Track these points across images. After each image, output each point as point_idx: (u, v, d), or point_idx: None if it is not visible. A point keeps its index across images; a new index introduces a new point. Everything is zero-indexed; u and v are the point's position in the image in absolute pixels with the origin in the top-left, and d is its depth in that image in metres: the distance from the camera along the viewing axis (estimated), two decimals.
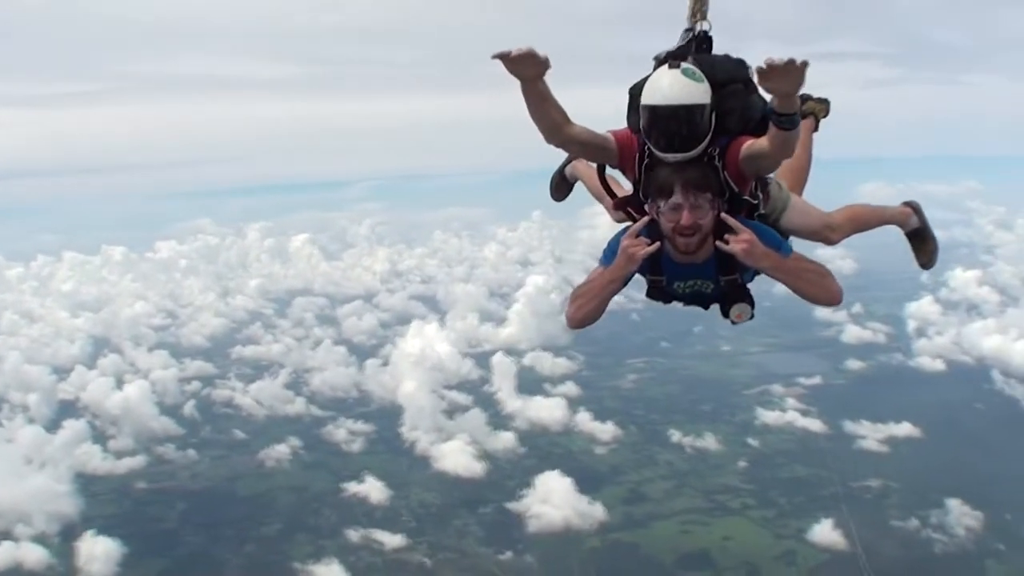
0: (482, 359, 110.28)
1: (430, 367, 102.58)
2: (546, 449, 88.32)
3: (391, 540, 72.93)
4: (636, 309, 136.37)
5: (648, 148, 6.87)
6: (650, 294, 7.46)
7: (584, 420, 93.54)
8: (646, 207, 6.88)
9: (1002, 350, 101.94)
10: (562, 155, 8.69)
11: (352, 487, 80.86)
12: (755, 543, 71.01)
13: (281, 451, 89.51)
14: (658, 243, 6.75)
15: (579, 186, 9.23)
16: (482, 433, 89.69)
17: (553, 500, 76.06)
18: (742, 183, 6.91)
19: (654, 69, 7.00)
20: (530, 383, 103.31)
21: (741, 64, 7.08)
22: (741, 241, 6.52)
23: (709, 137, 6.73)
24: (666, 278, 7.20)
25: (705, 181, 6.64)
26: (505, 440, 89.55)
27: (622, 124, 7.09)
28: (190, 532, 75.76)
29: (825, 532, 70.44)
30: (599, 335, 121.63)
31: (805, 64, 5.62)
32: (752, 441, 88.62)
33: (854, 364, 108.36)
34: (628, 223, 7.27)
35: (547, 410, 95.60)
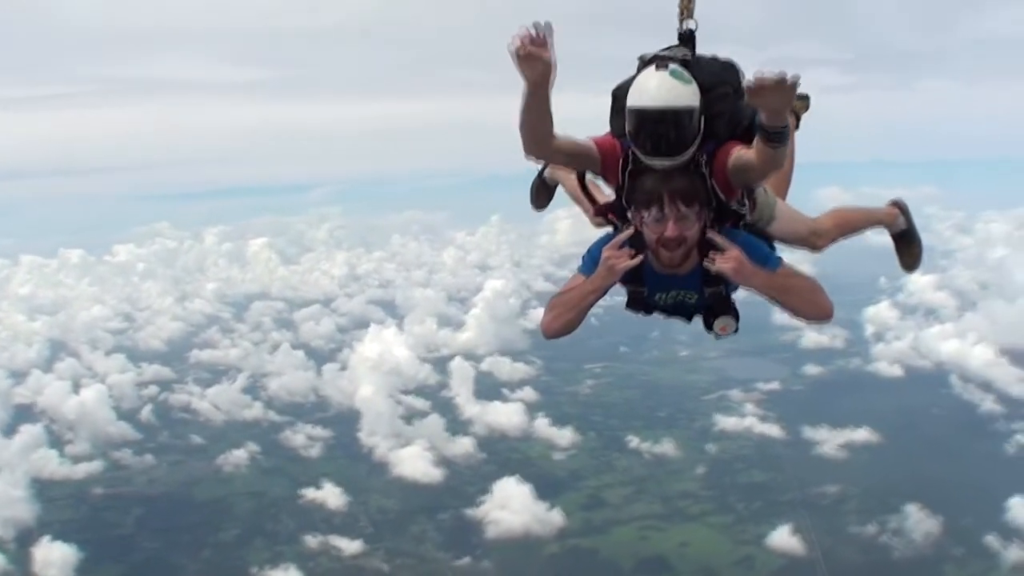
0: (440, 364, 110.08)
1: (388, 371, 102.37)
2: (505, 455, 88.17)
3: (349, 546, 72.68)
4: (595, 314, 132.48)
5: (632, 153, 6.57)
6: (630, 305, 7.06)
7: (543, 426, 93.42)
8: (629, 215, 6.63)
9: (960, 354, 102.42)
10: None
11: (310, 493, 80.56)
12: (713, 549, 71.08)
13: (239, 456, 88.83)
14: (641, 256, 6.44)
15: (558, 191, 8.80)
16: (440, 439, 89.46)
17: (512, 506, 75.91)
18: (729, 192, 6.62)
19: (638, 70, 6.67)
20: (488, 388, 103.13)
21: (730, 66, 6.80)
22: (728, 259, 6.27)
23: (697, 142, 6.44)
24: (647, 289, 6.87)
25: (692, 191, 6.33)
26: (463, 446, 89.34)
27: (596, 127, 6.83)
28: (147, 538, 75.31)
29: (783, 538, 70.55)
30: (557, 340, 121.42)
31: (796, 80, 5.40)
32: (710, 447, 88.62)
33: (812, 369, 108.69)
34: (609, 230, 7.10)
35: (506, 415, 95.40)
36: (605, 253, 6.47)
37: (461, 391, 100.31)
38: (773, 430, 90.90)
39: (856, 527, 72.10)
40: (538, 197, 9.03)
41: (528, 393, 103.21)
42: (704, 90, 6.40)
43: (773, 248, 7.07)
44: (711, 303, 6.86)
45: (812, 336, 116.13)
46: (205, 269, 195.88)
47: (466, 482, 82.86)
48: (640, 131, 6.31)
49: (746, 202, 6.88)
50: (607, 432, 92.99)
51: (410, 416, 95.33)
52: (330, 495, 79.69)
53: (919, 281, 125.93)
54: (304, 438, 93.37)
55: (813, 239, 7.67)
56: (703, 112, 6.37)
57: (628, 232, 6.48)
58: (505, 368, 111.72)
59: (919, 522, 71.09)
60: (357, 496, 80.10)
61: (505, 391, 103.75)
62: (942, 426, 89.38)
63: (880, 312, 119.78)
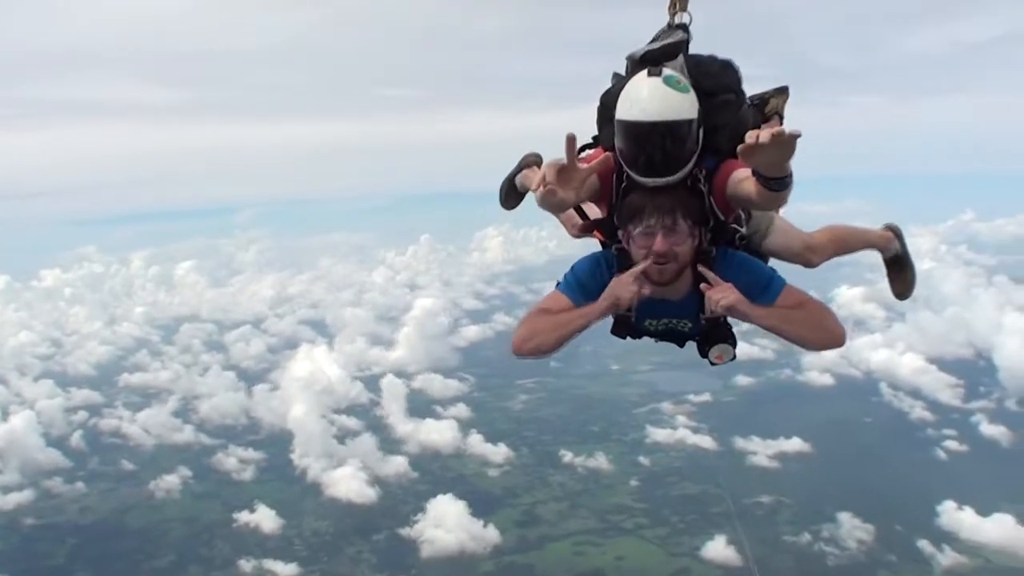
0: (372, 382, 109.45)
1: (320, 391, 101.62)
2: (438, 473, 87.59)
3: (284, 570, 71.85)
4: None
5: (624, 168, 5.96)
6: (616, 330, 6.46)
7: (476, 442, 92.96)
8: (619, 234, 5.98)
9: (889, 364, 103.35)
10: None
11: (244, 516, 79.47)
12: (649, 562, 70.91)
13: (171, 481, 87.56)
14: (649, 290, 5.84)
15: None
16: (373, 458, 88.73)
17: (446, 524, 75.40)
18: (728, 210, 6.04)
19: (627, 72, 6.22)
20: (420, 406, 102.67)
21: (730, 68, 6.24)
22: (723, 292, 5.74)
23: (695, 158, 5.83)
24: (636, 315, 6.25)
25: (685, 206, 5.76)
26: (397, 464, 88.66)
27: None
28: (80, 567, 73.95)
29: (718, 549, 70.53)
30: (489, 356, 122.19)
31: (795, 137, 4.83)
32: (643, 460, 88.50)
33: (743, 380, 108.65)
34: (596, 247, 6.65)
35: (438, 433, 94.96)
36: (615, 282, 5.87)
37: (393, 409, 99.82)
38: (705, 441, 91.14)
39: (790, 536, 72.26)
40: (507, 199, 8.18)
41: (461, 410, 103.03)
42: (703, 97, 5.83)
43: (772, 269, 6.37)
44: (708, 330, 6.31)
45: (742, 348, 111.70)
46: (133, 293, 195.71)
47: (400, 501, 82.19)
48: (631, 147, 5.73)
49: (743, 217, 6.47)
50: (540, 448, 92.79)
51: (342, 436, 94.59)
52: (264, 518, 78.74)
53: (848, 293, 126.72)
54: (236, 461, 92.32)
55: (808, 255, 7.22)
56: (702, 124, 5.79)
57: (643, 266, 5.78)
58: (437, 385, 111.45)
59: (852, 529, 71.55)
60: (291, 518, 79.27)
61: (437, 408, 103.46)
62: (873, 434, 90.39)
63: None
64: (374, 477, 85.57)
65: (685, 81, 5.76)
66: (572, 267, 6.35)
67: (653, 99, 5.58)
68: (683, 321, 6.29)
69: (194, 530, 79.15)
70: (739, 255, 6.12)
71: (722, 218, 5.99)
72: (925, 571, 67.50)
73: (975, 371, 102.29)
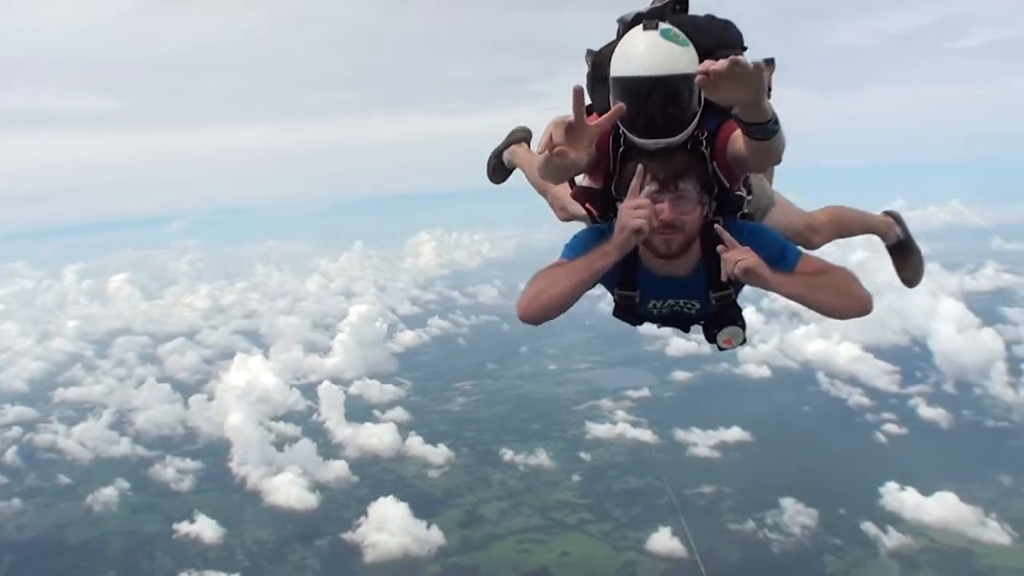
0: (309, 389, 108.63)
1: (256, 399, 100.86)
2: (378, 476, 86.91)
3: None
4: (462, 333, 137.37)
5: (623, 132, 5.57)
6: (618, 313, 6.09)
7: (416, 444, 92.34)
8: (617, 205, 5.46)
9: (826, 353, 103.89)
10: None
11: (184, 527, 78.38)
12: (594, 557, 70.79)
13: (109, 494, 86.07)
14: (670, 206, 5.29)
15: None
16: (313, 464, 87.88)
17: (389, 527, 74.87)
18: (732, 177, 5.67)
19: (618, 36, 5.69)
20: (359, 411, 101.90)
21: (732, 27, 5.85)
22: (743, 255, 5.20)
23: (697, 118, 5.45)
24: (640, 294, 5.85)
25: (690, 168, 5.40)
26: (337, 469, 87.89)
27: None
28: None
29: (663, 541, 70.48)
30: (426, 360, 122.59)
31: (760, 68, 4.54)
32: (584, 455, 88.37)
33: (681, 375, 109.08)
34: (586, 222, 6.30)
35: (377, 437, 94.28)
36: (624, 208, 5.24)
37: (331, 415, 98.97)
38: (646, 435, 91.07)
39: (734, 525, 72.36)
40: (495, 174, 8.31)
41: (399, 413, 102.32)
42: (703, 54, 5.30)
43: (785, 239, 5.83)
44: (717, 311, 5.92)
45: (679, 344, 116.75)
46: (65, 307, 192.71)
47: (341, 506, 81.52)
48: (630, 106, 5.23)
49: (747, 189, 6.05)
50: (480, 447, 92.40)
51: (281, 442, 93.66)
52: (204, 528, 77.77)
53: None
54: (174, 471, 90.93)
55: (809, 235, 6.95)
56: None
57: (653, 188, 5.26)
58: (374, 390, 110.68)
59: (796, 515, 71.81)
60: (232, 528, 78.40)
61: (376, 413, 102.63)
62: (812, 421, 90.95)
63: (747, 317, 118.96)
64: (314, 483, 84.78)
65: (683, 35, 5.33)
66: (573, 236, 5.83)
67: (651, 53, 5.18)
68: (690, 302, 5.90)
69: (134, 543, 78.12)
70: (748, 224, 5.74)
71: (726, 184, 5.62)
72: (870, 553, 67.86)
73: (911, 357, 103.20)
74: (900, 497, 72.51)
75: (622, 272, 5.64)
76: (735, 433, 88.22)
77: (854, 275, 5.47)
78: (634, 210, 5.15)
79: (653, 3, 5.94)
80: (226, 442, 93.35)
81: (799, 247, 5.67)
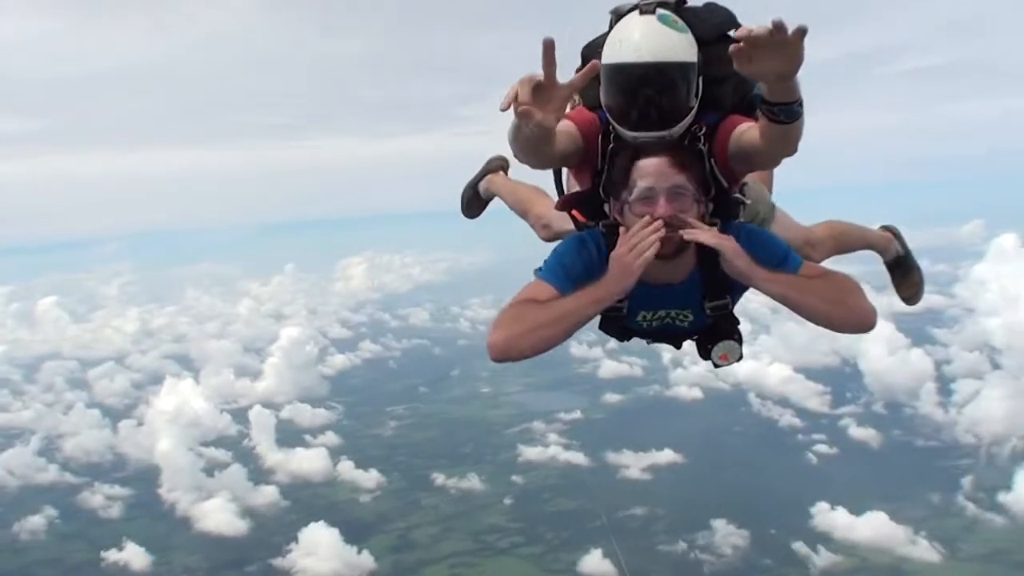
0: (239, 414, 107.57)
1: (186, 424, 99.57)
2: (309, 501, 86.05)
3: None
4: (393, 357, 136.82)
5: (613, 127, 5.20)
6: (603, 326, 5.49)
7: (347, 469, 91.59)
8: (607, 208, 5.15)
9: (757, 375, 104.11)
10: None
11: (112, 555, 77.30)
12: None
13: (36, 522, 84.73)
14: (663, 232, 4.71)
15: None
16: (243, 489, 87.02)
17: (320, 553, 74.29)
18: (732, 177, 5.30)
19: (611, 28, 5.24)
20: (290, 436, 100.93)
21: (733, 17, 5.32)
22: (723, 238, 4.77)
23: (694, 111, 5.10)
24: (628, 305, 5.26)
25: (688, 161, 4.91)
26: (267, 494, 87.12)
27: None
28: None
29: (595, 563, 70.33)
30: (356, 384, 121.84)
31: (802, 34, 4.00)
32: (517, 478, 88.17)
33: (612, 397, 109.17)
34: (573, 231, 5.66)
35: (308, 461, 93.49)
36: (620, 247, 4.76)
37: (262, 440, 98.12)
38: (578, 458, 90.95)
39: (666, 546, 72.42)
40: (470, 206, 7.94)
41: (330, 438, 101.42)
42: (703, 45, 5.07)
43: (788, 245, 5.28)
44: (712, 323, 5.40)
45: (610, 366, 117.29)
46: None
47: (272, 532, 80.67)
48: (620, 96, 4.99)
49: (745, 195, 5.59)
50: (412, 472, 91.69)
51: (211, 468, 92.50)
52: (133, 556, 76.78)
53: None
54: (103, 498, 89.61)
55: (807, 250, 6.40)
56: (701, 72, 5.06)
57: (645, 221, 4.74)
58: (306, 415, 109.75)
59: (727, 536, 71.93)
60: (161, 555, 77.45)
61: (307, 437, 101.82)
62: (744, 442, 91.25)
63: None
64: (245, 508, 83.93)
65: (682, 22, 5.03)
66: (553, 251, 5.27)
67: (647, 38, 4.88)
68: (683, 313, 5.37)
69: (61, 572, 77.05)
70: (748, 227, 5.26)
71: (724, 185, 5.21)
72: (802, 572, 68.20)
73: (841, 378, 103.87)
74: (831, 517, 72.90)
75: None
76: (667, 455, 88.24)
77: (856, 286, 4.96)
78: (629, 252, 4.71)
79: None
80: (156, 468, 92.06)
81: (801, 257, 5.17)
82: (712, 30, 5.17)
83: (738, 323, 5.46)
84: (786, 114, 4.39)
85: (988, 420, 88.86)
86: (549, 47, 4.33)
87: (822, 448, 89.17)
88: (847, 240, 7.08)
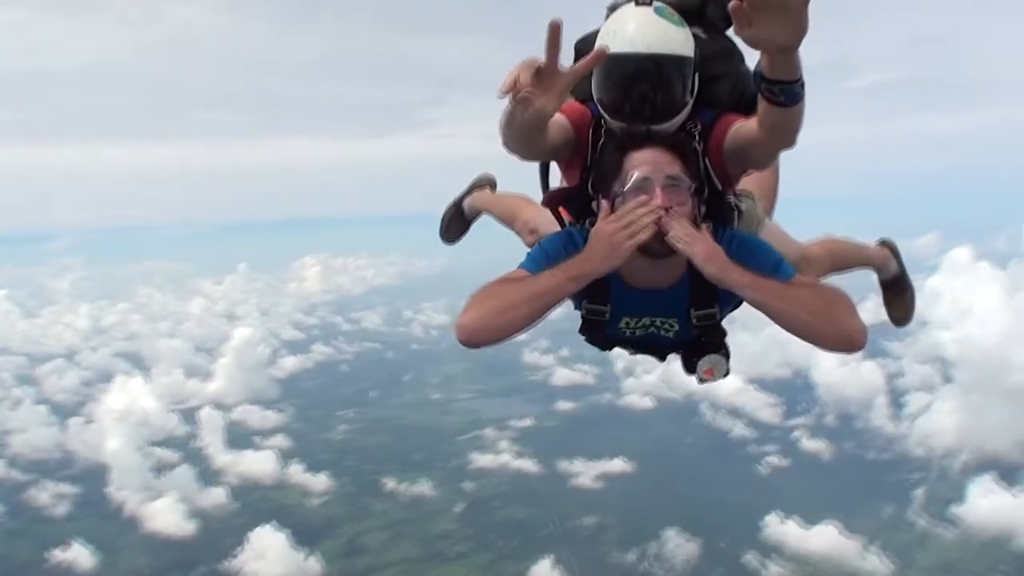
0: (189, 414, 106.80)
1: (136, 423, 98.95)
2: (258, 504, 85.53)
3: None
4: (345, 360, 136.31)
5: (603, 122, 5.00)
6: (584, 332, 5.24)
7: (296, 472, 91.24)
8: (594, 205, 4.79)
9: (709, 385, 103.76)
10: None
11: (58, 554, 76.69)
12: None
13: None
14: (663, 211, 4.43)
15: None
16: (192, 490, 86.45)
17: (268, 556, 73.98)
18: (726, 179, 5.04)
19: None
20: (239, 437, 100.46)
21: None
22: (695, 239, 4.39)
23: (689, 107, 4.89)
24: (611, 310, 4.98)
25: (683, 151, 4.65)
26: (216, 496, 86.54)
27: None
28: None
29: (545, 572, 70.32)
30: (308, 387, 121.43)
31: None
32: (467, 485, 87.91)
33: (565, 405, 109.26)
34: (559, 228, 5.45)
35: (258, 463, 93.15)
36: (612, 222, 4.46)
37: (211, 441, 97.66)
38: (529, 465, 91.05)
39: (617, 555, 72.44)
40: (449, 229, 7.68)
41: (280, 440, 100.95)
42: (700, 42, 4.91)
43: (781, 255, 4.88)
44: (699, 335, 5.12)
45: (563, 373, 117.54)
46: None
47: (221, 534, 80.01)
48: (614, 88, 4.79)
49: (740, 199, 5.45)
50: (362, 477, 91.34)
51: (160, 468, 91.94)
52: (79, 555, 76.13)
53: None
54: (50, 496, 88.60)
55: (803, 267, 5.86)
56: (697, 68, 4.88)
57: (642, 200, 4.45)
58: (256, 416, 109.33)
59: (678, 546, 72.04)
60: (108, 555, 76.83)
61: (257, 439, 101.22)
62: (695, 453, 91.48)
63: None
64: (193, 509, 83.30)
65: (679, 16, 4.84)
66: (539, 244, 5.02)
67: (643, 29, 4.69)
68: (668, 321, 5.05)
69: (6, 570, 76.23)
70: (740, 234, 4.92)
71: (719, 187, 4.99)
72: None
73: (793, 389, 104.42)
74: (782, 529, 73.27)
75: (592, 282, 4.66)
76: (618, 464, 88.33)
77: (848, 302, 4.53)
78: (621, 228, 4.41)
79: None
80: (104, 467, 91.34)
81: (793, 268, 4.80)
82: (717, 20, 5.14)
83: (725, 335, 5.18)
84: (786, 95, 4.11)
85: (940, 433, 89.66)
86: (555, 30, 4.09)
87: (774, 459, 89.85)
88: (845, 258, 6.76)
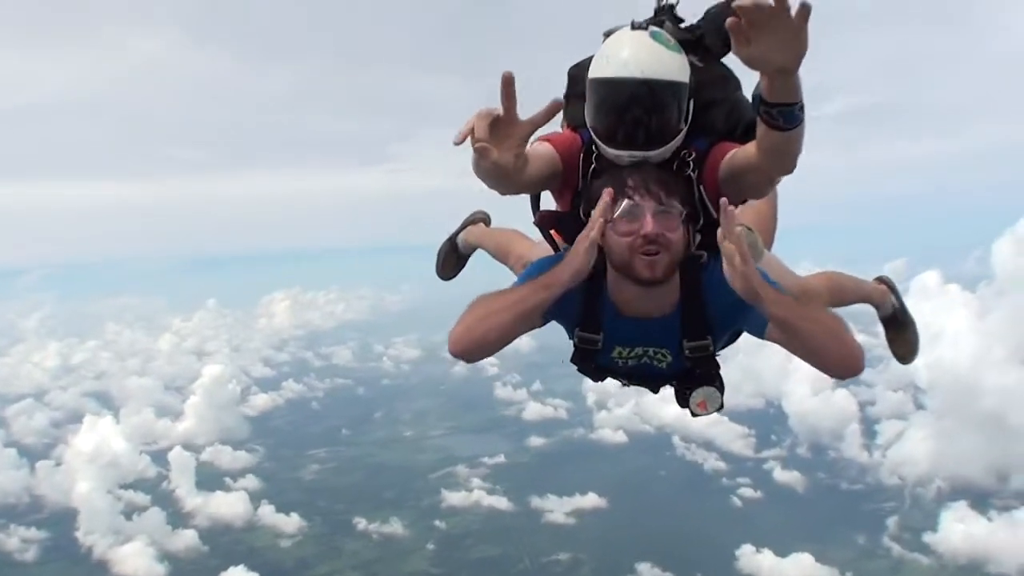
0: (159, 455, 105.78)
1: (105, 465, 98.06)
2: (229, 546, 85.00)
3: None
4: (316, 397, 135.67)
5: (596, 148, 4.90)
6: (576, 361, 5.11)
7: (267, 513, 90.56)
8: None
9: (680, 417, 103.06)
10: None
11: None
12: None
13: None
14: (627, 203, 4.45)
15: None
16: (162, 533, 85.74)
17: None
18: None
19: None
20: (210, 478, 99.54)
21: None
22: (739, 249, 4.18)
23: (683, 133, 4.79)
24: (603, 339, 4.90)
25: (675, 182, 4.61)
26: (187, 539, 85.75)
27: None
28: None
29: None
30: (279, 425, 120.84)
31: (806, 11, 3.50)
32: (440, 524, 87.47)
33: (537, 441, 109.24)
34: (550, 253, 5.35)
35: (228, 505, 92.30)
36: (589, 232, 4.42)
37: (182, 482, 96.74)
38: (501, 503, 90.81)
39: None
40: (445, 265, 7.54)
41: (251, 481, 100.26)
42: (695, 69, 4.85)
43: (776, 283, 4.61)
44: (691, 366, 4.96)
45: (535, 408, 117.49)
46: None
47: None
48: (607, 113, 4.71)
49: None
50: (334, 517, 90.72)
51: (130, 511, 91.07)
52: None
53: None
54: (18, 541, 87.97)
55: (803, 300, 5.23)
56: (692, 95, 4.78)
57: (628, 204, 4.45)
58: (226, 457, 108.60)
59: None
60: None
61: (227, 480, 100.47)
62: (669, 486, 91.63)
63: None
64: (164, 553, 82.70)
65: (675, 41, 4.79)
66: (532, 263, 5.12)
67: (638, 53, 4.61)
68: (661, 352, 4.96)
69: None
70: None
71: (713, 215, 4.72)
72: None
73: (766, 420, 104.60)
74: (756, 560, 73.56)
75: (584, 309, 4.85)
76: (591, 499, 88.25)
77: (847, 324, 4.44)
78: (593, 228, 4.42)
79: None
80: (73, 511, 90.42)
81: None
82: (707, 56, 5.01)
83: (719, 367, 5.06)
84: (786, 118, 3.97)
85: (912, 461, 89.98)
86: (508, 82, 4.03)
87: (747, 492, 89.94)
88: (843, 293, 6.66)
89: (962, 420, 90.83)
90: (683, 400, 5.10)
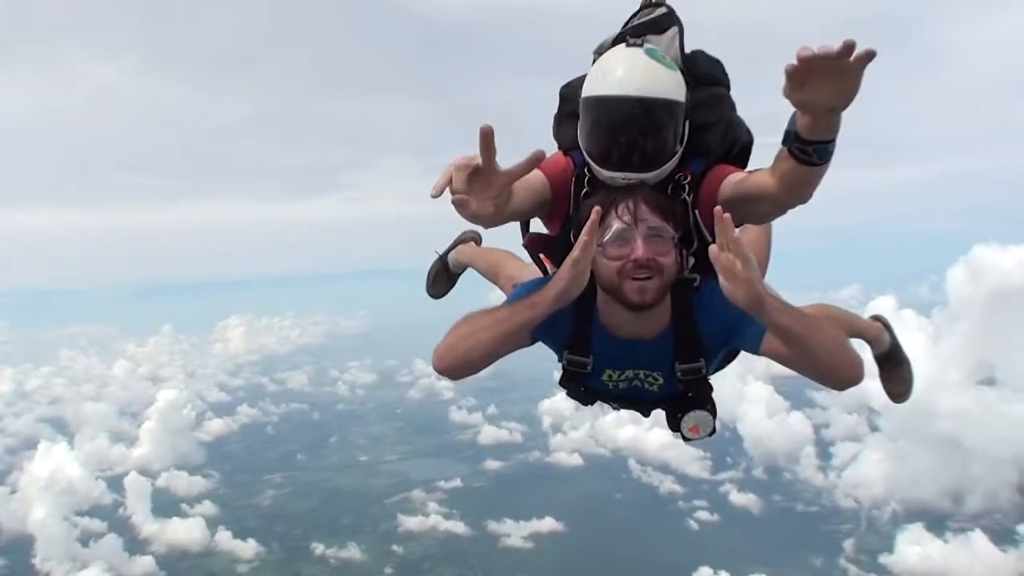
0: (115, 481, 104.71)
1: (61, 492, 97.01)
2: (186, 572, 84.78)
3: None
4: (271, 422, 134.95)
5: (588, 170, 4.81)
6: (565, 384, 5.02)
7: (225, 539, 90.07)
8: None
9: (636, 440, 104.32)
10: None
11: None
12: None
13: None
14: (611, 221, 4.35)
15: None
16: (119, 560, 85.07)
17: None
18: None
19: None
20: (166, 504, 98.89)
21: (721, 65, 5.09)
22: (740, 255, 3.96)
23: (679, 154, 4.71)
24: (593, 362, 4.78)
25: (668, 205, 4.49)
26: (144, 565, 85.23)
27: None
28: None
29: None
30: (235, 450, 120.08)
31: (868, 57, 3.37)
32: (397, 548, 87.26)
33: (493, 464, 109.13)
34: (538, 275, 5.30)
35: (185, 531, 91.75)
36: (574, 253, 4.28)
37: (138, 509, 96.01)
38: (458, 527, 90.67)
39: None
40: (435, 284, 7.38)
41: (207, 507, 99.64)
42: (692, 88, 4.76)
43: None
44: (684, 389, 4.84)
45: (490, 432, 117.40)
46: None
47: None
48: (601, 132, 4.62)
49: None
50: (291, 542, 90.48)
51: (86, 538, 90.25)
52: None
53: None
54: None
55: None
56: (689, 115, 4.71)
57: (619, 227, 4.34)
58: (182, 483, 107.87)
59: None
60: None
61: (184, 506, 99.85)
62: (625, 509, 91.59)
63: (555, 404, 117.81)
64: None
65: (671, 59, 4.75)
66: (522, 284, 4.93)
67: (633, 71, 4.54)
68: (652, 375, 4.84)
69: None
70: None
71: (709, 239, 4.35)
72: None
73: (721, 442, 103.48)
74: None
75: (573, 331, 4.74)
76: (548, 523, 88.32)
77: (847, 335, 4.66)
78: (577, 259, 4.28)
79: (640, 19, 5.08)
80: (30, 537, 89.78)
81: None
82: (703, 75, 4.97)
83: (711, 390, 4.92)
84: (820, 154, 3.86)
85: (867, 483, 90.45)
86: (487, 134, 3.81)
87: (703, 515, 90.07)
88: (838, 325, 6.33)
89: (917, 442, 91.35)
90: (674, 424, 4.99)
